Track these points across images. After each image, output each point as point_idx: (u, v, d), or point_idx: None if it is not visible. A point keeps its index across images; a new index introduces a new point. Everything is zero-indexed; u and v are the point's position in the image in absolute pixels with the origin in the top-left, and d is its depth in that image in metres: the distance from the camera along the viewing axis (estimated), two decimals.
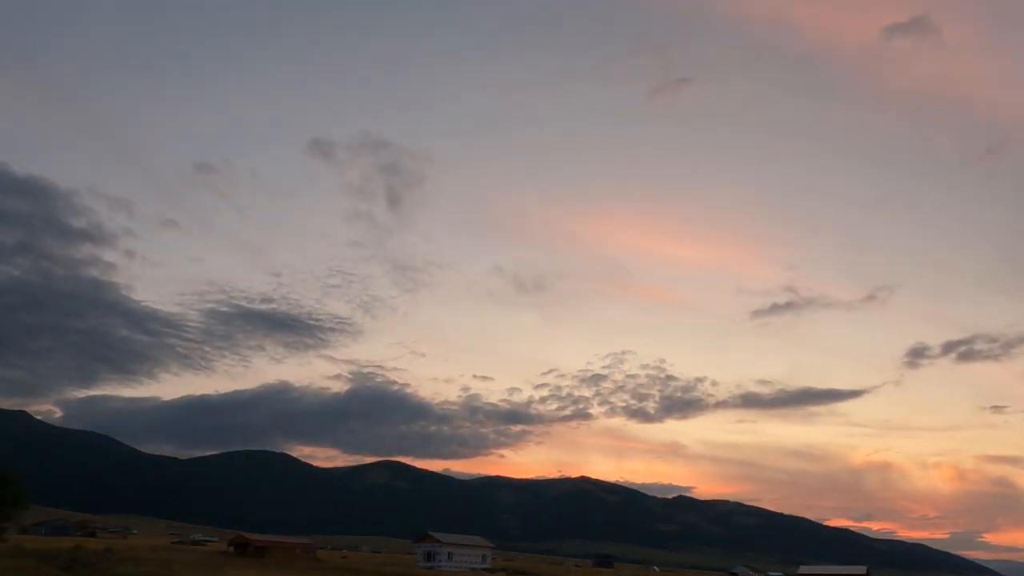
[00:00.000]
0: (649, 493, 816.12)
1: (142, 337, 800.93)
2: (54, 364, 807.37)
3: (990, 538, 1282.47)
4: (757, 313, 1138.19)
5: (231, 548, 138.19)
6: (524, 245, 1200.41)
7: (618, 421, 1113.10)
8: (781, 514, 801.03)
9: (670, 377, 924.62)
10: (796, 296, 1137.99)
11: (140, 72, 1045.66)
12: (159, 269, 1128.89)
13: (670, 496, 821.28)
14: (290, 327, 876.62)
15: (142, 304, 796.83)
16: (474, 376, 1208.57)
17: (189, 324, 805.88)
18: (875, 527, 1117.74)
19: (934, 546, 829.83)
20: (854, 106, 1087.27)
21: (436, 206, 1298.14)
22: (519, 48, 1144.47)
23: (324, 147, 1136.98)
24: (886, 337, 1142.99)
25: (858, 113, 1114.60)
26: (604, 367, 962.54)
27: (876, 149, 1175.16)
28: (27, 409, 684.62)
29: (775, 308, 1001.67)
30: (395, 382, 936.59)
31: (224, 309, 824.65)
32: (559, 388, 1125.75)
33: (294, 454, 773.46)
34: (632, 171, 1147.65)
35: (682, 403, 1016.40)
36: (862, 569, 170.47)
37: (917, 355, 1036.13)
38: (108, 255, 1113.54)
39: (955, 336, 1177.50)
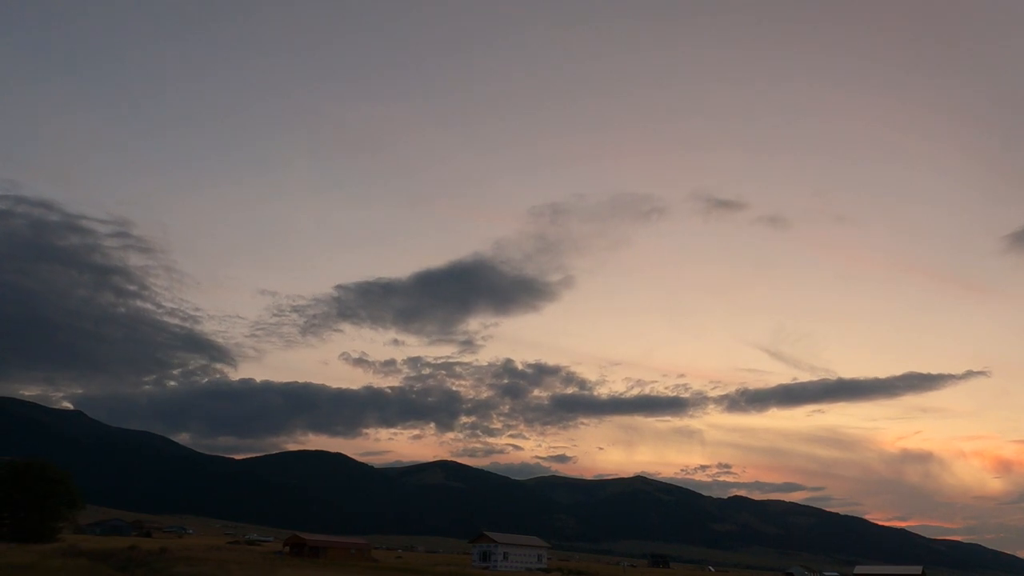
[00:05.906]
0: (704, 493, 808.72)
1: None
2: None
3: None
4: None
5: (287, 548, 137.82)
6: None
7: (662, 414, 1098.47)
8: (836, 514, 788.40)
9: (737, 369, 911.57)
10: None
11: None
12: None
13: (725, 496, 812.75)
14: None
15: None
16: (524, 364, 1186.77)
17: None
18: (933, 525, 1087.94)
19: (990, 546, 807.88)
20: None
21: None
22: None
23: None
24: None
25: None
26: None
27: None
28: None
29: None
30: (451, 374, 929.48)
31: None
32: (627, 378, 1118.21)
33: (349, 454, 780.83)
34: None
35: (746, 395, 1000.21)
36: (917, 569, 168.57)
37: None
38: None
39: None
